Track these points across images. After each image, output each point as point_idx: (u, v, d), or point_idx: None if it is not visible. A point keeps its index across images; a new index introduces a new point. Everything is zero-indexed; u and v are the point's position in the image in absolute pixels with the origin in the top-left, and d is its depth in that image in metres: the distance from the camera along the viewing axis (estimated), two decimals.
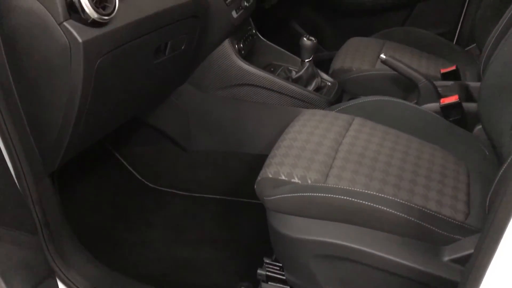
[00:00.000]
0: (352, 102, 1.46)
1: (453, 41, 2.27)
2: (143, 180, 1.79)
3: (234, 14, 1.50)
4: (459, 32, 2.25)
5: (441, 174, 1.18)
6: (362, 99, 1.46)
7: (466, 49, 2.11)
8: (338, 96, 1.66)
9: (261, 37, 1.81)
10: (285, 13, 2.33)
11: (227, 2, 1.46)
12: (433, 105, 1.44)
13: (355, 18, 2.33)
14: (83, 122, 1.04)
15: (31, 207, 1.08)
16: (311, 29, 2.36)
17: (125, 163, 1.81)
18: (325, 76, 1.71)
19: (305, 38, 1.58)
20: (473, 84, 1.53)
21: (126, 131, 1.69)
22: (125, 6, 1.02)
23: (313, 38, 1.58)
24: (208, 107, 1.62)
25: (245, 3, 1.58)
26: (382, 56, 1.51)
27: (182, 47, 1.32)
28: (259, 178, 1.15)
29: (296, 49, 1.81)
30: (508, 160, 0.86)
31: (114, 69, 1.05)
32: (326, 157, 1.17)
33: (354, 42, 1.98)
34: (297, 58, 1.77)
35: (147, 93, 1.34)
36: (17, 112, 0.99)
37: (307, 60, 1.60)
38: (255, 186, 1.14)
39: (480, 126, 1.40)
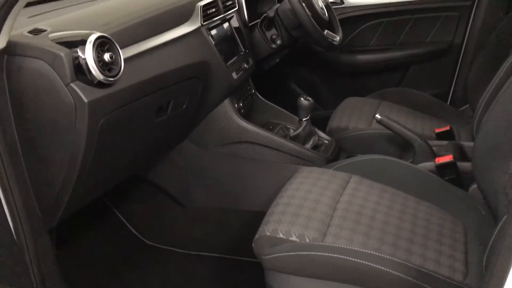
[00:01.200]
0: (349, 161, 1.49)
1: (446, 102, 2.34)
2: (140, 237, 1.78)
3: (234, 75, 1.56)
4: (452, 93, 2.32)
5: (438, 233, 1.18)
6: (359, 158, 1.49)
7: (459, 109, 2.16)
8: (336, 154, 1.69)
9: (260, 97, 1.86)
10: (283, 74, 2.41)
11: (227, 64, 1.52)
12: (428, 164, 1.47)
13: (351, 78, 2.40)
14: (84, 179, 1.06)
15: (28, 264, 1.08)
16: (309, 89, 2.43)
17: (122, 219, 1.81)
18: (322, 134, 1.75)
19: (302, 98, 1.63)
20: (467, 144, 1.56)
21: (124, 186, 1.71)
22: (130, 68, 1.07)
23: (310, 98, 1.63)
24: (207, 164, 1.64)
25: (245, 65, 1.64)
26: (377, 116, 1.56)
27: (184, 106, 1.37)
28: (257, 236, 1.15)
29: (294, 108, 1.86)
30: (502, 220, 0.88)
31: (117, 128, 1.08)
32: (324, 215, 1.18)
33: (351, 102, 2.03)
34: (295, 117, 1.81)
35: (148, 151, 1.37)
36: (20, 168, 1.01)
37: (304, 119, 1.65)
38: (253, 244, 1.14)
39: (475, 185, 1.41)
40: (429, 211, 1.27)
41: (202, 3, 1.43)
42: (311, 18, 1.64)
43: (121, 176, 1.33)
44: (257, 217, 1.42)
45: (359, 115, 1.89)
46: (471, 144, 1.56)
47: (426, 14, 2.20)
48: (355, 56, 2.30)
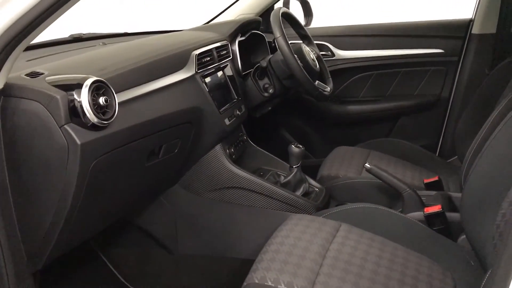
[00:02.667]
0: (339, 209, 1.49)
1: (435, 153, 2.38)
2: (126, 283, 1.74)
3: (227, 121, 1.58)
4: (440, 145, 2.36)
5: (427, 284, 1.18)
6: (349, 206, 1.49)
7: (448, 161, 2.20)
8: (326, 202, 1.70)
9: (252, 143, 1.88)
10: (275, 121, 2.45)
11: (220, 110, 1.55)
12: (417, 214, 1.48)
13: (342, 128, 2.45)
14: (73, 222, 1.05)
15: None
16: (300, 137, 2.47)
17: (108, 264, 1.77)
18: (312, 182, 1.76)
19: (293, 146, 1.65)
20: (455, 195, 1.58)
21: (111, 230, 1.69)
22: (124, 112, 1.08)
23: (300, 146, 1.66)
24: (197, 209, 1.64)
25: (238, 112, 1.67)
26: (367, 165, 1.58)
27: (176, 151, 1.38)
28: (245, 283, 1.13)
29: (284, 155, 1.88)
30: (489, 272, 0.88)
31: (108, 170, 1.09)
32: (313, 263, 1.17)
33: (341, 151, 2.06)
34: (286, 164, 1.83)
35: (138, 195, 1.37)
36: (9, 209, 1.00)
37: (295, 166, 1.66)
38: None
39: (464, 236, 1.42)
40: (418, 261, 1.27)
41: (197, 52, 1.48)
42: (303, 69, 1.69)
43: (109, 220, 1.32)
44: (246, 265, 1.40)
45: (349, 164, 1.91)
46: (459, 194, 1.58)
47: (414, 68, 2.28)
48: (346, 106, 2.36)
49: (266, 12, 2.30)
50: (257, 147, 1.88)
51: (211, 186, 1.61)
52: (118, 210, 1.34)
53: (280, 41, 1.68)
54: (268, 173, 1.78)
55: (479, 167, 1.33)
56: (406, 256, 1.28)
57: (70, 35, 1.74)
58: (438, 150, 2.38)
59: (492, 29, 2.09)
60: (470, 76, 2.17)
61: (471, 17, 2.19)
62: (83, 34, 1.77)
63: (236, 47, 1.81)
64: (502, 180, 1.24)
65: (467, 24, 2.19)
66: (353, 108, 2.35)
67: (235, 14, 2.27)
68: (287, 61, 1.69)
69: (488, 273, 0.89)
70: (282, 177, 1.72)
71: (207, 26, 2.08)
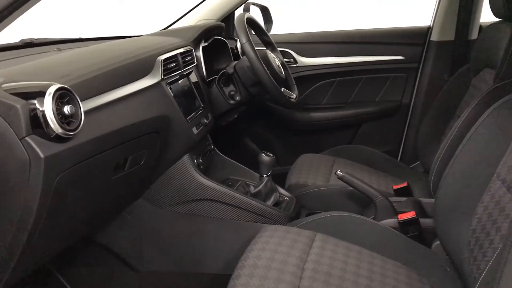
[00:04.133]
0: (312, 218, 1.46)
1: (397, 158, 2.40)
2: None
3: (195, 130, 1.52)
4: (402, 150, 2.39)
5: None
6: (323, 215, 1.46)
7: (411, 166, 2.22)
8: (297, 211, 1.66)
9: (219, 153, 1.82)
10: (237, 130, 2.40)
11: (187, 119, 1.48)
12: (391, 221, 1.47)
13: (305, 135, 2.43)
14: (34, 243, 0.95)
15: None
16: (263, 145, 2.43)
17: (66, 285, 1.65)
18: (282, 191, 1.72)
19: (263, 154, 1.60)
20: (426, 200, 1.58)
21: (70, 249, 1.57)
22: (90, 121, 1.00)
23: (271, 154, 1.61)
24: (164, 224, 1.55)
25: (205, 120, 1.61)
26: (339, 172, 1.56)
27: (142, 162, 1.30)
28: None
29: (250, 164, 1.83)
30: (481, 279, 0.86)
31: (74, 186, 1.00)
32: (292, 277, 1.13)
33: (306, 158, 2.03)
34: (254, 173, 1.78)
35: (102, 210, 1.27)
36: None
37: (265, 175, 1.62)
38: None
39: (438, 242, 1.42)
40: (396, 270, 1.26)
41: (162, 58, 1.40)
42: (270, 76, 1.66)
43: (72, 239, 1.21)
44: (217, 280, 1.33)
45: (317, 172, 1.88)
46: (429, 200, 1.59)
47: (375, 74, 2.30)
48: (309, 113, 2.34)
49: (227, 18, 2.25)
50: (224, 157, 1.82)
51: (178, 199, 1.53)
52: (83, 228, 1.23)
53: (247, 47, 1.64)
54: (237, 183, 1.72)
55: (451, 173, 1.34)
56: (384, 265, 1.26)
57: (20, 40, 1.61)
58: (399, 156, 2.40)
59: (450, 36, 2.14)
60: (430, 83, 2.22)
61: (429, 24, 2.24)
62: (35, 39, 1.64)
63: (200, 53, 1.75)
64: (476, 186, 1.24)
65: (426, 32, 2.23)
66: (316, 115, 2.34)
67: (195, 19, 2.21)
68: (254, 68, 1.64)
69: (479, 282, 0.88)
70: (252, 187, 1.67)
71: (168, 31, 2.01)
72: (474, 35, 2.12)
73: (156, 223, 1.55)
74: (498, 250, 1.01)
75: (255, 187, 1.64)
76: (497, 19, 1.72)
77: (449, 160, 1.56)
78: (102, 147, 1.06)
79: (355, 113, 2.33)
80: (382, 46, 2.27)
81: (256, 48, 1.66)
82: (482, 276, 1.01)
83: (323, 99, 2.36)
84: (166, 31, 2.02)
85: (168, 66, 1.43)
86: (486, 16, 2.14)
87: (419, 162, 2.21)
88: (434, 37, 2.19)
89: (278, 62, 1.88)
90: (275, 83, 1.68)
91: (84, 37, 1.97)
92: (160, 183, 1.51)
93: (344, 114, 2.33)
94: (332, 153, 2.16)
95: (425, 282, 1.24)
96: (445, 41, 2.16)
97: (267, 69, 1.68)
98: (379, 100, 2.33)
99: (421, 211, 1.53)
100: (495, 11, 1.67)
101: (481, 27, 2.14)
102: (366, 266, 1.24)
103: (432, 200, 1.58)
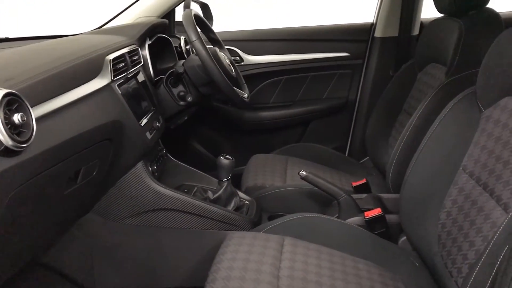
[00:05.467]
0: (278, 221, 1.40)
1: (345, 154, 2.42)
2: None
3: (148, 135, 1.40)
4: (349, 146, 2.41)
5: None
6: (288, 218, 1.41)
7: (360, 162, 2.24)
8: (259, 214, 1.60)
9: (171, 158, 1.72)
10: (185, 132, 2.30)
11: (140, 123, 1.36)
12: (357, 219, 1.45)
13: (255, 135, 2.38)
14: None
15: None
16: (212, 147, 2.34)
17: None
18: (242, 194, 1.65)
19: (222, 157, 1.52)
20: (386, 196, 1.58)
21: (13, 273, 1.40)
22: (41, 131, 0.87)
23: (230, 157, 1.54)
24: (117, 238, 1.43)
25: (157, 124, 1.50)
26: (303, 172, 1.52)
27: (94, 173, 1.17)
28: None
29: (200, 168, 1.74)
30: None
31: (26, 204, 0.86)
32: (270, 287, 1.07)
33: (259, 159, 1.98)
34: (210, 177, 1.70)
35: (53, 228, 1.13)
36: None
37: (225, 179, 1.54)
38: None
39: (404, 238, 1.42)
40: (368, 269, 1.24)
41: (111, 57, 1.28)
42: (224, 75, 1.58)
43: (21, 263, 1.06)
44: None
45: (272, 172, 1.84)
46: (390, 195, 1.59)
47: (322, 71, 2.29)
48: (258, 113, 2.29)
49: (167, 15, 2.14)
50: (178, 162, 1.71)
51: (133, 210, 1.41)
52: (33, 250, 1.09)
53: (197, 45, 1.55)
54: (193, 190, 1.62)
55: (416, 168, 1.34)
56: (356, 266, 1.24)
57: None
58: (347, 152, 2.42)
59: (394, 32, 2.18)
60: (375, 78, 2.24)
61: (372, 21, 2.27)
62: None
63: (146, 52, 1.64)
64: (442, 180, 1.25)
65: (369, 28, 2.26)
66: (265, 114, 2.30)
67: (133, 17, 2.07)
68: (206, 67, 1.56)
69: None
70: (210, 193, 1.58)
71: (108, 29, 1.86)
72: (416, 30, 2.18)
73: (109, 238, 1.42)
74: (480, 244, 1.01)
75: (214, 192, 1.56)
76: (440, 15, 1.76)
77: (408, 155, 1.58)
78: (54, 159, 0.93)
79: (303, 111, 2.31)
80: (327, 43, 2.26)
81: None
82: (474, 272, 0.99)
83: (271, 97, 2.32)
84: (104, 29, 1.87)
85: (117, 67, 1.31)
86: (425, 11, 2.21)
87: (368, 157, 2.24)
88: (378, 33, 2.22)
89: (228, 61, 1.81)
90: (229, 82, 1.60)
91: (10, 36, 1.79)
92: (113, 194, 1.39)
93: (292, 113, 2.30)
94: (283, 152, 2.13)
95: (398, 279, 1.23)
96: (388, 37, 2.20)
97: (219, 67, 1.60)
98: (326, 97, 2.33)
99: (383, 207, 1.53)
100: (439, 7, 1.71)
101: (421, 23, 2.20)
102: (339, 268, 1.21)
103: (392, 195, 1.59)
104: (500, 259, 0.83)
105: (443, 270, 1.15)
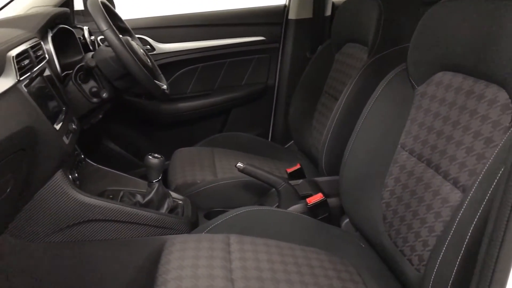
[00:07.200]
0: (219, 219, 1.32)
1: (268, 140, 2.39)
2: None
3: (65, 139, 1.24)
4: (272, 132, 2.38)
5: (338, 279, 1.12)
6: (229, 214, 1.34)
7: (285, 146, 2.22)
8: (196, 214, 1.50)
9: (90, 162, 1.55)
10: (100, 132, 2.11)
11: (56, 127, 1.20)
12: (299, 207, 1.42)
13: (174, 128, 2.25)
14: None
15: None
16: (127, 145, 2.18)
17: None
18: (174, 194, 1.54)
19: (150, 157, 1.39)
20: (321, 179, 1.57)
21: None
22: None
23: (158, 155, 1.41)
24: (39, 260, 1.25)
25: (73, 126, 1.33)
26: (240, 164, 1.44)
27: (8, 190, 1.00)
28: None
29: (117, 169, 1.60)
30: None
31: None
32: None
33: (183, 154, 1.88)
34: (135, 179, 1.56)
35: None
36: None
37: (155, 180, 1.41)
38: None
39: (347, 220, 1.42)
40: (318, 257, 1.21)
41: (13, 53, 1.09)
42: (142, 67, 1.45)
43: None
44: None
45: (201, 167, 1.74)
46: (325, 179, 1.58)
47: (239, 57, 2.22)
48: (175, 104, 2.16)
49: (65, 4, 1.92)
50: (98, 166, 1.55)
51: (55, 226, 1.24)
52: None
53: (109, 34, 1.40)
54: (119, 195, 1.47)
55: (354, 149, 1.33)
56: (306, 255, 1.21)
57: None
58: (269, 137, 2.39)
59: (308, 14, 2.16)
60: (293, 62, 2.22)
61: (285, 3, 2.24)
62: None
63: (50, 46, 1.45)
64: (381, 159, 1.25)
65: (283, 10, 2.22)
66: (183, 105, 2.17)
67: (25, 7, 1.83)
68: (121, 58, 1.42)
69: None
70: (139, 196, 1.45)
71: (2, 21, 1.62)
72: (329, 11, 2.18)
73: (28, 260, 1.24)
74: (433, 221, 1.01)
75: (144, 195, 1.43)
76: None
77: (340, 137, 1.58)
78: None
79: (223, 99, 2.22)
80: (242, 27, 2.19)
81: None
82: (438, 252, 0.96)
83: (187, 87, 2.20)
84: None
85: (22, 64, 1.13)
86: None
87: (292, 141, 2.22)
88: (291, 15, 2.19)
89: (142, 50, 1.67)
90: (148, 73, 1.48)
91: None
92: (29, 211, 1.20)
93: (212, 102, 2.21)
94: (207, 144, 2.04)
95: (348, 264, 1.21)
96: (303, 19, 2.18)
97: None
98: (246, 83, 2.27)
99: (321, 191, 1.51)
100: None
101: (333, 4, 2.21)
102: (291, 260, 1.17)
103: (328, 178, 1.58)
104: (467, 239, 0.83)
105: (393, 249, 1.16)
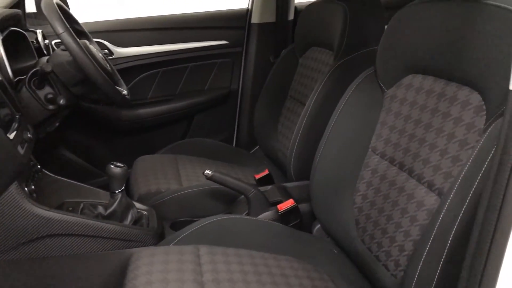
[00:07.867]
0: (187, 230, 1.27)
1: (232, 145, 2.34)
2: None
3: (20, 150, 1.15)
4: (236, 137, 2.33)
5: None
6: (198, 224, 1.28)
7: (251, 152, 2.19)
8: (162, 224, 1.44)
9: (48, 173, 1.45)
10: (56, 140, 2.00)
11: (10, 136, 1.11)
12: (269, 214, 1.38)
13: (134, 135, 2.16)
14: None
15: None
16: (84, 153, 2.08)
17: None
18: (138, 204, 1.46)
19: (112, 166, 1.32)
20: (290, 185, 1.54)
21: None
22: None
23: (121, 164, 1.34)
24: None
25: (28, 135, 1.24)
26: (208, 172, 1.39)
27: None
28: None
29: (76, 179, 1.52)
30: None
31: None
32: None
33: (145, 162, 1.80)
34: (96, 189, 1.48)
35: None
36: None
37: (118, 190, 1.34)
38: None
39: (318, 226, 1.39)
40: (291, 265, 1.18)
41: None
42: (102, 71, 1.38)
43: None
44: None
45: (164, 175, 1.68)
46: (294, 184, 1.55)
47: (201, 61, 2.16)
48: (135, 110, 2.08)
49: (16, 6, 1.82)
50: (56, 177, 1.46)
51: (10, 243, 1.15)
52: None
53: (66, 37, 1.33)
54: (80, 206, 1.39)
55: (324, 154, 1.31)
56: (279, 264, 1.17)
57: None
58: (234, 143, 2.35)
59: (271, 18, 2.14)
60: (256, 66, 2.19)
61: (247, 7, 2.20)
62: None
63: (0, 49, 1.35)
64: (352, 163, 1.24)
65: (245, 14, 2.19)
66: (144, 111, 2.10)
67: None
68: (79, 63, 1.35)
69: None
70: (101, 208, 1.37)
71: None
72: (291, 15, 2.17)
73: None
74: (409, 225, 1.00)
75: (106, 207, 1.35)
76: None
77: (308, 142, 1.56)
78: None
79: (185, 105, 2.16)
80: (204, 31, 2.14)
81: None
82: (417, 258, 0.92)
83: (148, 92, 2.13)
84: None
85: None
86: None
87: (257, 147, 2.19)
88: (254, 19, 2.16)
89: (101, 54, 1.59)
90: (108, 79, 1.41)
91: None
92: None
93: (174, 107, 2.14)
94: (170, 151, 1.97)
95: (321, 272, 1.19)
96: (266, 23, 2.16)
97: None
98: (209, 88, 2.22)
99: (291, 197, 1.48)
100: None
101: (296, 8, 2.20)
102: (264, 270, 1.13)
103: (297, 183, 1.56)
104: (448, 244, 0.81)
105: (367, 254, 1.14)
